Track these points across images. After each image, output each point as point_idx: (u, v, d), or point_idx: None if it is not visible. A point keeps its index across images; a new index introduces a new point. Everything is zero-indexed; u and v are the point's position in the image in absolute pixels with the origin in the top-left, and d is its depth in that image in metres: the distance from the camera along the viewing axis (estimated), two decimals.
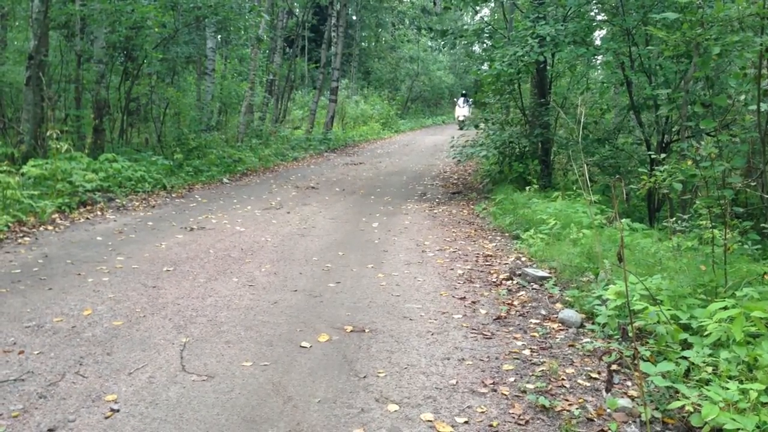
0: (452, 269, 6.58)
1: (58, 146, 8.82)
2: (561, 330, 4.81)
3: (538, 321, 5.01)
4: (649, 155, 8.30)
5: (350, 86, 31.98)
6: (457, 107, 31.02)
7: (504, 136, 12.97)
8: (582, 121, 8.75)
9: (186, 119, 15.18)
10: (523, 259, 7.04)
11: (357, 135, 25.10)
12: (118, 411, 3.27)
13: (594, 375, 3.95)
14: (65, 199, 8.49)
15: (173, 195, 10.65)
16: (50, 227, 7.60)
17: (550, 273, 6.28)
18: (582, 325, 4.88)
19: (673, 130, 9.76)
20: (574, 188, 10.10)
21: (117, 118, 13.46)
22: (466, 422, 3.30)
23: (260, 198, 10.86)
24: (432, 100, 42.75)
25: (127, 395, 3.45)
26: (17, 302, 4.92)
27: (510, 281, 6.15)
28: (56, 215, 8.07)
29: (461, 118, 29.11)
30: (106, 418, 3.21)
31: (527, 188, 10.88)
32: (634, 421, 3.33)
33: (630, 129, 12.72)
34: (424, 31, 28.04)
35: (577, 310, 5.10)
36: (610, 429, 3.24)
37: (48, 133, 8.97)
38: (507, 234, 8.52)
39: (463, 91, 33.25)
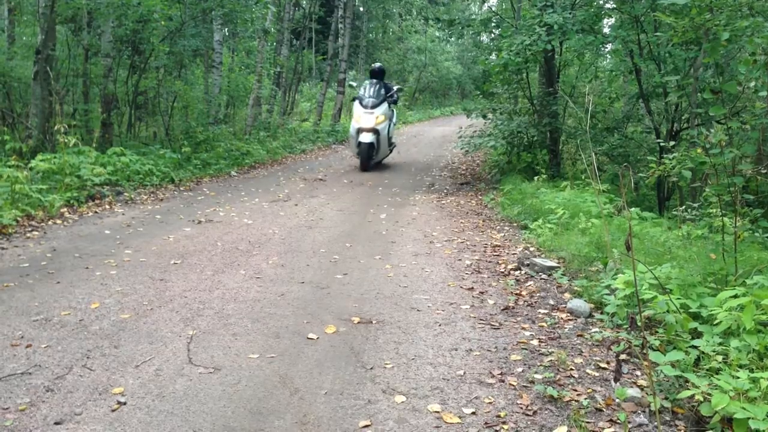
0: (460, 260, 6.56)
1: (66, 140, 8.84)
2: (569, 320, 4.78)
3: (546, 311, 4.98)
4: (659, 143, 8.24)
5: (358, 78, 31.91)
6: (355, 107, 12.87)
7: (512, 126, 12.90)
8: (590, 110, 8.64)
9: (194, 112, 15.19)
10: (532, 249, 7.01)
11: None
12: (124, 404, 3.27)
13: (603, 365, 3.93)
14: (74, 193, 8.51)
15: (181, 188, 10.65)
16: (59, 221, 7.61)
17: (558, 263, 6.24)
18: (591, 315, 4.85)
19: (683, 117, 9.69)
20: (583, 178, 10.04)
21: (125, 111, 13.49)
22: (473, 413, 3.28)
23: (268, 190, 10.85)
24: (440, 90, 42.62)
25: (134, 388, 3.45)
26: (25, 296, 4.93)
27: (518, 271, 6.12)
28: (65, 209, 8.08)
29: (368, 139, 12.47)
30: (113, 410, 3.21)
31: (536, 178, 10.83)
32: (644, 411, 3.30)
33: (639, 117, 12.65)
34: (431, 21, 27.03)
35: (585, 300, 5.07)
36: (618, 419, 3.21)
37: (56, 128, 8.99)
38: (515, 224, 8.48)
39: (377, 65, 13.81)
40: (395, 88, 13.52)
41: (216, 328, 4.41)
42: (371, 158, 12.49)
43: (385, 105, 12.58)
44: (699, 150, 5.07)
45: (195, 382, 3.55)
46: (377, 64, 13.90)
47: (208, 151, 13.38)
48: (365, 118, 12.30)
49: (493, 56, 14.47)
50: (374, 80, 13.01)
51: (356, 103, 12.71)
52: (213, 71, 16.50)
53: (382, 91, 12.64)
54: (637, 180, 9.59)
